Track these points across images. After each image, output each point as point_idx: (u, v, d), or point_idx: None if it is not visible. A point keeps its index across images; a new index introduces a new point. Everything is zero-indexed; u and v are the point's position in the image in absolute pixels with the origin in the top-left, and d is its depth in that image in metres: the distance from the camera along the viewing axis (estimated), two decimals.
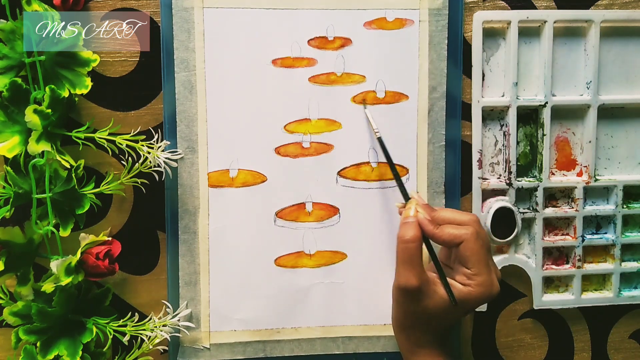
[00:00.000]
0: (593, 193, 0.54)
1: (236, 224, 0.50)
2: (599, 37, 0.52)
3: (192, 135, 0.49)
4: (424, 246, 0.45)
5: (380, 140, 0.48)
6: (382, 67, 0.50)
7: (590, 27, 0.52)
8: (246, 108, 0.50)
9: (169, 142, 0.48)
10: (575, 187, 0.53)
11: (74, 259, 0.44)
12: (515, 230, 0.52)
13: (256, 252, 0.50)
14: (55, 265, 0.43)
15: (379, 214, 0.51)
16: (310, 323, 0.51)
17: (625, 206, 0.53)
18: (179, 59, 0.49)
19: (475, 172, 0.52)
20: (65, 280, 0.43)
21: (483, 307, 0.52)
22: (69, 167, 0.44)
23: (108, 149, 0.47)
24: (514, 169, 0.52)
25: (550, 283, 0.54)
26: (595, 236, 0.54)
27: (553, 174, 0.53)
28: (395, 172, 0.48)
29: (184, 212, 0.50)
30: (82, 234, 0.46)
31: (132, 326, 0.47)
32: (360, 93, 0.50)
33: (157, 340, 0.47)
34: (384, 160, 0.51)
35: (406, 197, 0.47)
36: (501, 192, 0.52)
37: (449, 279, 0.44)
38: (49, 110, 0.43)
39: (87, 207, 0.46)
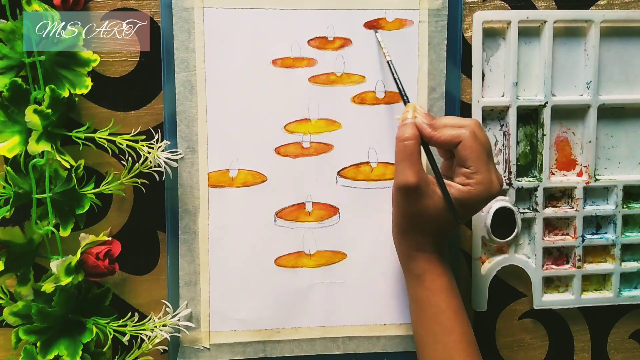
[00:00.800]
0: (593, 193, 0.54)
1: (236, 224, 0.50)
2: (599, 37, 0.52)
3: (192, 135, 0.49)
4: (423, 153, 0.45)
5: (390, 63, 0.48)
6: (382, 67, 0.50)
7: (590, 27, 0.52)
8: (246, 108, 0.50)
9: (169, 142, 0.48)
10: (575, 187, 0.53)
11: (74, 259, 0.44)
12: (515, 230, 0.52)
13: (256, 252, 0.50)
14: (55, 265, 0.43)
15: (379, 213, 0.51)
16: (310, 323, 0.51)
17: (625, 206, 0.53)
18: (179, 59, 0.49)
19: None
20: (65, 280, 0.43)
21: (483, 307, 0.52)
22: (69, 167, 0.44)
23: (108, 149, 0.47)
24: (514, 169, 0.52)
25: (550, 283, 0.54)
26: (595, 236, 0.54)
27: (553, 174, 0.53)
28: (399, 82, 0.47)
29: (184, 212, 0.50)
30: (82, 234, 0.46)
31: (132, 326, 0.47)
32: (360, 93, 0.50)
33: (157, 340, 0.47)
34: (383, 160, 0.51)
35: (406, 103, 0.47)
36: (501, 192, 0.52)
37: (448, 182, 0.43)
38: (49, 110, 0.43)
39: (87, 207, 0.46)
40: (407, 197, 0.43)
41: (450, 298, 0.45)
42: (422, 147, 0.44)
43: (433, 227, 0.44)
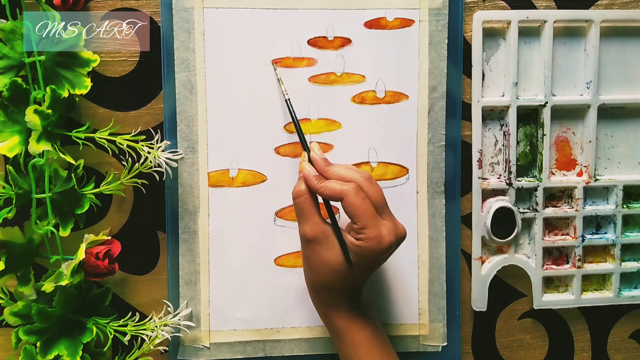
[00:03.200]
0: (593, 193, 0.54)
1: (236, 223, 0.50)
2: (599, 37, 0.52)
3: (192, 135, 0.49)
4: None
5: (287, 102, 0.48)
6: (382, 67, 0.50)
7: (590, 27, 0.52)
8: (246, 108, 0.50)
9: (169, 142, 0.48)
10: (575, 187, 0.53)
11: (79, 259, 0.44)
12: (515, 230, 0.52)
13: (256, 252, 0.50)
14: (66, 266, 0.43)
15: None
16: (310, 323, 0.51)
17: (625, 206, 0.53)
18: (179, 59, 0.49)
19: (475, 172, 0.52)
20: (66, 280, 0.43)
21: (483, 307, 0.52)
22: (73, 162, 0.44)
23: (108, 149, 0.47)
24: (514, 168, 0.52)
25: (550, 283, 0.54)
26: (595, 236, 0.54)
27: (553, 174, 0.53)
28: (298, 125, 0.47)
29: (184, 212, 0.50)
30: (87, 235, 0.46)
31: (133, 326, 0.47)
32: (360, 92, 0.50)
33: (157, 340, 0.47)
34: (384, 160, 0.51)
35: (305, 149, 0.46)
36: (501, 192, 0.52)
37: (347, 235, 0.43)
38: (49, 111, 0.43)
39: (87, 207, 0.46)
40: (308, 249, 0.44)
41: (374, 350, 0.44)
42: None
43: (339, 280, 0.44)
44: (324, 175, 0.44)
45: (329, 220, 0.44)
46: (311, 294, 0.47)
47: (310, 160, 0.45)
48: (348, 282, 0.44)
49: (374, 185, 0.44)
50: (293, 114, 0.47)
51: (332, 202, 0.45)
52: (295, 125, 0.47)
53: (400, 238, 0.43)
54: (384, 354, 0.45)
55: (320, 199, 0.45)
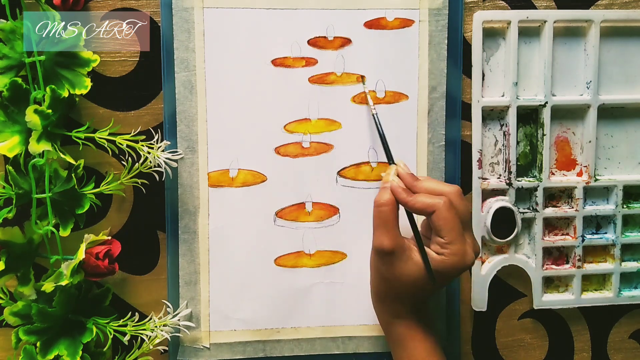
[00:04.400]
0: (593, 193, 0.54)
1: (236, 223, 0.50)
2: (599, 37, 0.52)
3: (192, 135, 0.49)
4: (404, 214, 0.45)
5: (375, 117, 0.48)
6: (382, 67, 0.50)
7: (590, 27, 0.52)
8: (246, 108, 0.50)
9: (169, 142, 0.48)
10: (575, 187, 0.53)
11: (79, 259, 0.44)
12: (515, 230, 0.52)
13: (256, 252, 0.50)
14: (66, 265, 0.43)
15: None
16: (310, 323, 0.51)
17: (625, 206, 0.53)
18: (179, 59, 0.49)
19: (475, 172, 0.52)
20: (65, 280, 0.43)
21: (483, 307, 0.52)
22: (73, 162, 0.44)
23: (108, 149, 0.47)
24: (514, 169, 0.52)
25: (550, 283, 0.54)
26: (595, 236, 0.54)
27: (553, 174, 0.53)
28: (384, 140, 0.47)
29: (184, 212, 0.50)
30: (87, 235, 0.46)
31: (133, 326, 0.47)
32: (360, 92, 0.50)
33: (157, 340, 0.47)
34: (384, 160, 0.51)
35: (391, 162, 0.47)
36: (501, 192, 0.52)
37: (427, 249, 0.43)
38: (49, 110, 0.43)
39: (87, 207, 0.46)
40: (382, 260, 0.44)
41: None
42: (405, 211, 0.44)
43: (410, 293, 0.44)
44: (412, 190, 0.44)
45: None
46: (376, 303, 0.47)
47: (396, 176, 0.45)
48: (418, 295, 0.44)
49: (463, 200, 0.44)
50: (380, 129, 0.47)
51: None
52: (382, 139, 0.47)
53: (477, 255, 0.44)
54: None
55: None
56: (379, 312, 0.47)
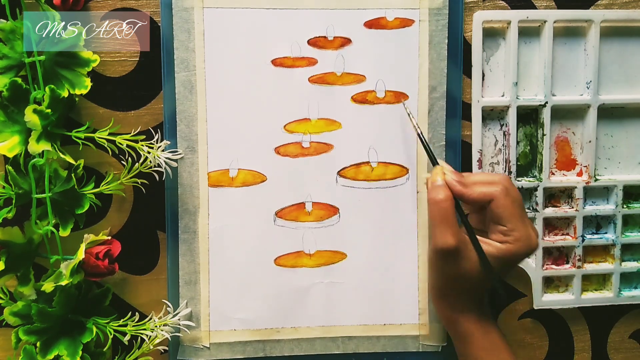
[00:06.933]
0: (593, 193, 0.54)
1: (236, 223, 0.50)
2: (599, 37, 0.52)
3: (192, 135, 0.49)
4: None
5: (420, 136, 0.48)
6: (382, 67, 0.50)
7: (590, 27, 0.52)
8: (246, 108, 0.50)
9: (169, 142, 0.48)
10: (575, 187, 0.53)
11: (79, 259, 0.44)
12: None
13: (256, 252, 0.50)
14: (65, 265, 0.43)
15: (378, 213, 0.51)
16: (310, 323, 0.51)
17: (625, 206, 0.53)
18: (179, 59, 0.49)
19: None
20: (65, 280, 0.43)
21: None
22: (72, 161, 0.44)
23: (108, 149, 0.47)
24: (514, 168, 0.52)
25: (550, 283, 0.54)
26: (595, 236, 0.54)
27: (553, 173, 0.53)
28: (427, 145, 0.47)
29: (184, 212, 0.50)
30: (87, 235, 0.46)
31: (133, 326, 0.47)
32: (360, 92, 0.50)
33: (157, 340, 0.47)
34: (384, 160, 0.51)
35: (434, 164, 0.46)
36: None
37: (485, 239, 0.43)
38: (49, 110, 0.43)
39: (87, 207, 0.46)
40: (446, 259, 0.43)
41: (503, 352, 0.44)
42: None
43: (471, 288, 0.44)
44: (462, 183, 0.44)
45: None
46: (437, 300, 0.47)
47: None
48: (478, 287, 0.44)
49: (515, 187, 0.44)
50: (428, 147, 0.47)
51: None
52: (425, 145, 0.47)
53: (537, 237, 0.44)
54: (511, 357, 0.45)
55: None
56: (439, 308, 0.46)
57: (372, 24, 0.50)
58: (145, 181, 0.48)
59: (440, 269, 0.44)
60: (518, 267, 0.52)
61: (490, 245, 0.43)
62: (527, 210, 0.52)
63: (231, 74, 0.49)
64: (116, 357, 0.49)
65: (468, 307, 0.45)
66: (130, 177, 0.48)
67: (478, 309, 0.45)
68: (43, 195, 0.44)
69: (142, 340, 0.47)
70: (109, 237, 0.48)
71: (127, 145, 0.46)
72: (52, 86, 0.43)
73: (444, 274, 0.44)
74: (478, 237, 0.43)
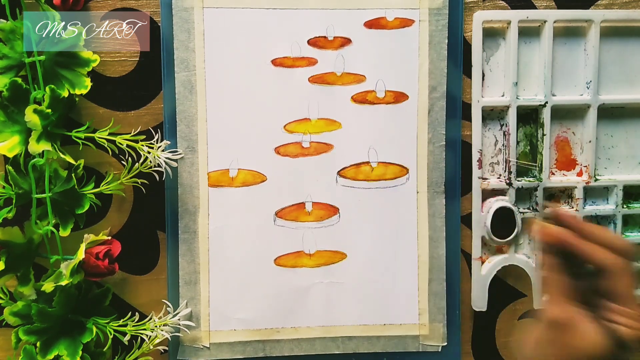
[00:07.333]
0: (593, 193, 0.54)
1: (236, 223, 0.50)
2: (599, 37, 0.52)
3: (192, 135, 0.49)
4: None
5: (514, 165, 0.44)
6: (382, 67, 0.50)
7: (590, 27, 0.52)
8: (246, 108, 0.50)
9: (169, 142, 0.48)
10: (575, 187, 0.53)
11: (79, 259, 0.44)
12: (515, 230, 0.52)
13: (256, 252, 0.50)
14: (65, 265, 0.43)
15: (378, 213, 0.51)
16: (310, 323, 0.51)
17: (625, 206, 0.53)
18: (179, 59, 0.49)
19: (475, 172, 0.52)
20: (65, 280, 0.43)
21: (483, 307, 0.52)
22: (72, 161, 0.44)
23: (108, 149, 0.47)
24: (514, 168, 0.52)
25: None
26: None
27: (553, 173, 0.53)
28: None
29: (184, 212, 0.50)
30: (87, 235, 0.46)
31: (133, 326, 0.47)
32: (361, 92, 0.50)
33: (157, 340, 0.47)
34: (384, 160, 0.51)
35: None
36: (501, 192, 0.52)
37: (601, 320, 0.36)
38: (49, 110, 0.43)
39: (87, 207, 0.46)
40: (552, 330, 0.37)
41: None
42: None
43: None
44: (580, 234, 0.37)
45: None
46: None
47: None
48: None
49: (633, 263, 0.37)
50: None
51: None
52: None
53: None
54: None
55: None
56: None
57: (372, 24, 0.50)
58: (145, 181, 0.48)
59: (548, 341, 0.37)
60: (518, 267, 0.52)
61: (606, 324, 0.36)
62: (526, 210, 0.52)
63: (231, 74, 0.49)
64: (116, 357, 0.49)
65: None
66: (130, 177, 0.48)
67: None
68: (43, 195, 0.44)
69: (142, 340, 0.47)
70: (109, 237, 0.48)
71: (127, 145, 0.46)
72: (52, 86, 0.43)
73: (551, 348, 0.37)
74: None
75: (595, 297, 0.37)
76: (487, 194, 0.52)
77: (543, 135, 0.52)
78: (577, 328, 0.36)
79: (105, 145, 0.46)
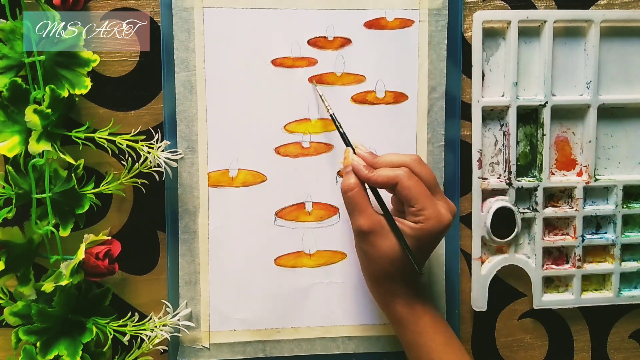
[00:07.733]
0: (593, 193, 0.54)
1: (236, 223, 0.50)
2: (599, 37, 0.52)
3: (192, 135, 0.49)
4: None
5: (332, 117, 0.48)
6: (382, 67, 0.50)
7: (590, 27, 0.52)
8: (246, 108, 0.50)
9: (169, 142, 0.48)
10: (575, 187, 0.53)
11: (79, 259, 0.44)
12: (515, 230, 0.52)
13: (256, 252, 0.50)
14: (65, 265, 0.43)
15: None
16: (310, 323, 0.51)
17: (625, 206, 0.53)
18: (179, 59, 0.49)
19: (475, 172, 0.52)
20: (65, 280, 0.43)
21: (483, 307, 0.52)
22: (72, 161, 0.44)
23: (108, 149, 0.47)
24: (513, 168, 0.52)
25: (550, 283, 0.54)
26: (595, 236, 0.54)
27: (553, 173, 0.53)
28: (339, 124, 0.47)
29: (184, 212, 0.50)
30: (87, 235, 0.46)
31: (132, 326, 0.47)
32: (360, 92, 0.50)
33: (157, 340, 0.47)
34: None
35: (349, 145, 0.47)
36: (501, 192, 0.52)
37: (401, 220, 0.44)
38: (49, 110, 0.43)
39: (87, 207, 0.46)
40: (365, 242, 0.44)
41: (438, 334, 0.45)
42: (371, 189, 0.45)
43: (398, 269, 0.44)
44: (373, 167, 0.44)
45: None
46: (370, 285, 0.47)
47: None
48: (407, 268, 0.44)
49: (424, 166, 0.44)
50: (340, 128, 0.47)
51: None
52: (336, 124, 0.47)
53: (454, 215, 0.44)
54: (447, 338, 0.45)
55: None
56: (375, 295, 0.47)
57: (372, 24, 0.50)
58: (145, 181, 0.48)
59: (363, 252, 0.45)
60: (518, 267, 0.53)
61: (404, 225, 0.43)
62: (526, 210, 0.52)
63: (231, 74, 0.49)
64: (116, 357, 0.49)
65: (398, 290, 0.45)
66: (130, 177, 0.48)
67: (410, 292, 0.45)
68: (43, 195, 0.44)
69: (142, 340, 0.47)
70: (109, 237, 0.48)
71: (127, 145, 0.46)
72: (52, 86, 0.43)
73: (367, 256, 0.45)
74: (396, 218, 0.44)
75: (402, 206, 0.44)
76: (487, 194, 0.52)
77: (543, 135, 0.52)
78: (381, 232, 0.43)
79: (105, 145, 0.46)
